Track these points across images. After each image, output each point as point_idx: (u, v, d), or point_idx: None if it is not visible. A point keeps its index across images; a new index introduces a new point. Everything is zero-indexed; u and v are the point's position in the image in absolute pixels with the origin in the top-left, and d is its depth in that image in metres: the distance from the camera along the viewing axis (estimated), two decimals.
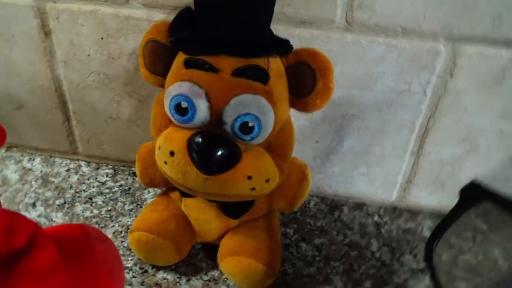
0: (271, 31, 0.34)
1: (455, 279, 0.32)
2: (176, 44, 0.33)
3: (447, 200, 0.50)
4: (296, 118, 0.45)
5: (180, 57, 0.33)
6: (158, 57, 0.35)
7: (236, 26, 0.31)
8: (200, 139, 0.31)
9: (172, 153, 0.32)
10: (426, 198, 0.51)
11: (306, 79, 0.33)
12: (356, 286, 0.41)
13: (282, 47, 0.33)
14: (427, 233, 0.49)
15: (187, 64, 0.32)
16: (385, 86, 0.43)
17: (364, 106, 0.45)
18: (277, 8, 0.33)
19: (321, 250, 0.45)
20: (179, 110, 0.31)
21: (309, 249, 0.45)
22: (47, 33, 0.48)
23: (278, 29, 0.42)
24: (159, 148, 0.33)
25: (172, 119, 0.33)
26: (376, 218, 0.51)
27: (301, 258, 0.44)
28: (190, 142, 0.31)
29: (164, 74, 0.35)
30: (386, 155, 0.48)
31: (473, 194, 0.22)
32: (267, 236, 0.40)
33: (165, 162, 0.33)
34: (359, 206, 0.53)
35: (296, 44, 0.34)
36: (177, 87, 0.31)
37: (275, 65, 0.32)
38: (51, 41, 0.48)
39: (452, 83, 0.42)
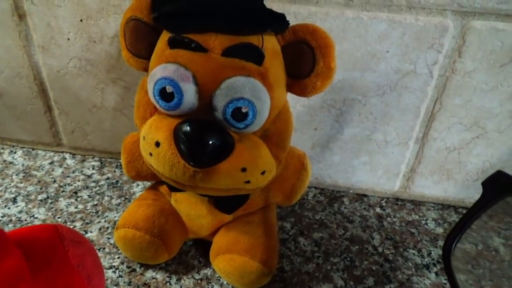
0: (264, 5, 0.30)
1: (477, 282, 0.30)
2: (159, 21, 0.30)
3: (453, 189, 0.48)
4: (293, 104, 0.42)
5: (165, 36, 0.29)
6: (140, 37, 0.31)
7: None
8: (188, 127, 0.27)
9: (157, 144, 0.29)
10: (431, 188, 0.48)
11: (305, 59, 0.29)
12: (358, 283, 0.38)
13: (278, 22, 0.29)
14: (431, 225, 0.46)
15: (172, 44, 0.28)
16: (389, 67, 0.40)
17: (366, 90, 0.42)
18: None
19: (321, 245, 0.43)
20: (164, 95, 0.28)
21: (308, 244, 0.43)
22: (21, 16, 0.44)
23: (272, 6, 0.38)
24: (144, 138, 0.30)
25: (157, 105, 0.29)
26: (378, 210, 0.48)
27: (300, 254, 0.41)
28: (177, 131, 0.28)
29: (147, 57, 0.32)
30: (389, 143, 0.45)
31: (500, 186, 0.19)
32: (263, 232, 0.37)
33: (151, 154, 0.30)
34: (360, 197, 0.50)
35: (292, 23, 0.30)
36: (161, 69, 0.28)
37: (270, 44, 0.29)
38: (27, 24, 0.45)
39: (461, 63, 0.39)
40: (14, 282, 0.19)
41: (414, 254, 0.42)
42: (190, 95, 0.28)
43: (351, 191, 0.51)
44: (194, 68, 0.28)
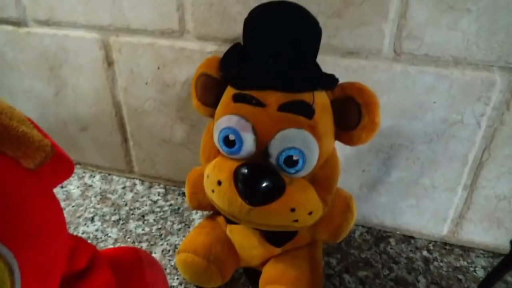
0: (317, 65, 0.34)
1: None
2: (226, 79, 0.35)
3: (504, 238, 0.47)
4: (343, 147, 0.45)
5: (229, 91, 0.35)
6: (209, 90, 0.37)
7: (283, 62, 0.32)
8: (246, 170, 0.32)
9: (219, 183, 0.33)
10: (481, 234, 0.48)
11: (352, 113, 0.33)
12: None
13: (327, 82, 0.33)
14: (480, 273, 0.46)
15: (236, 99, 0.33)
16: (436, 117, 0.42)
17: (413, 136, 0.44)
18: (323, 39, 0.34)
19: (365, 284, 0.44)
20: (227, 142, 0.33)
21: (353, 281, 0.45)
22: (110, 63, 0.52)
23: (325, 59, 0.42)
24: (208, 176, 0.35)
25: (221, 150, 0.34)
26: (425, 253, 0.49)
27: None
28: (236, 173, 0.32)
29: (214, 105, 0.37)
30: (437, 188, 0.46)
31: None
32: (309, 266, 0.40)
33: (213, 191, 0.34)
34: (407, 239, 0.51)
35: (343, 75, 0.34)
36: (226, 120, 0.33)
37: (321, 99, 0.33)
38: (113, 70, 0.53)
39: (510, 115, 0.40)
40: None
41: None
42: (249, 143, 0.32)
43: (397, 232, 0.52)
44: (254, 120, 0.32)
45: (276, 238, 0.40)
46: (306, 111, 0.32)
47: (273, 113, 0.32)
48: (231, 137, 0.33)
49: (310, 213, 0.34)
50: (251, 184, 0.32)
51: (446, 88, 0.40)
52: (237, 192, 0.32)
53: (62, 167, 0.23)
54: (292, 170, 0.32)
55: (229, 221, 0.39)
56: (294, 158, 0.31)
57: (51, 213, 0.21)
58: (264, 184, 0.31)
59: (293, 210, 0.33)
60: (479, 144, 0.42)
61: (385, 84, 0.42)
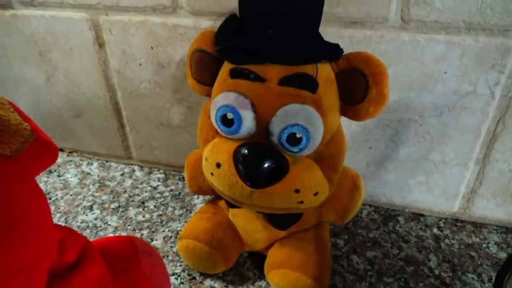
0: (319, 35, 0.32)
1: None
2: (222, 53, 0.32)
3: None
4: (348, 123, 0.43)
5: (226, 67, 0.32)
6: (204, 67, 0.35)
7: (282, 33, 0.30)
8: (246, 150, 0.30)
9: (218, 165, 0.31)
10: (493, 210, 0.46)
11: (358, 86, 0.30)
12: None
13: (331, 52, 0.31)
14: (493, 249, 0.44)
15: (233, 74, 0.31)
16: (447, 88, 0.40)
17: (422, 110, 0.42)
18: (325, 9, 0.31)
19: (374, 264, 0.43)
20: (225, 121, 0.31)
21: (361, 262, 0.43)
22: (101, 45, 0.50)
23: (328, 30, 0.40)
24: (206, 159, 0.33)
25: (219, 130, 0.32)
26: (435, 230, 0.47)
27: (352, 271, 0.42)
28: (236, 154, 0.30)
29: (211, 84, 0.35)
30: (448, 163, 0.44)
31: None
32: (316, 249, 0.38)
33: (212, 174, 0.32)
34: (416, 217, 0.49)
35: (347, 46, 0.32)
36: (222, 97, 0.31)
37: (325, 72, 0.31)
38: (105, 52, 0.50)
39: None
40: (99, 286, 0.23)
41: (473, 278, 0.41)
42: (248, 121, 0.30)
43: (406, 210, 0.50)
44: (253, 97, 0.30)
45: (280, 221, 0.38)
46: (309, 84, 0.29)
47: (274, 88, 0.30)
48: (229, 115, 0.30)
49: (315, 194, 0.32)
50: (252, 165, 0.30)
51: (457, 57, 0.38)
52: (237, 174, 0.30)
53: (44, 153, 0.21)
54: (295, 149, 0.30)
55: (231, 205, 0.37)
56: (297, 135, 0.29)
57: (31, 204, 0.19)
58: (266, 165, 0.29)
59: (297, 191, 0.31)
60: (493, 115, 0.40)
61: (392, 55, 0.39)
